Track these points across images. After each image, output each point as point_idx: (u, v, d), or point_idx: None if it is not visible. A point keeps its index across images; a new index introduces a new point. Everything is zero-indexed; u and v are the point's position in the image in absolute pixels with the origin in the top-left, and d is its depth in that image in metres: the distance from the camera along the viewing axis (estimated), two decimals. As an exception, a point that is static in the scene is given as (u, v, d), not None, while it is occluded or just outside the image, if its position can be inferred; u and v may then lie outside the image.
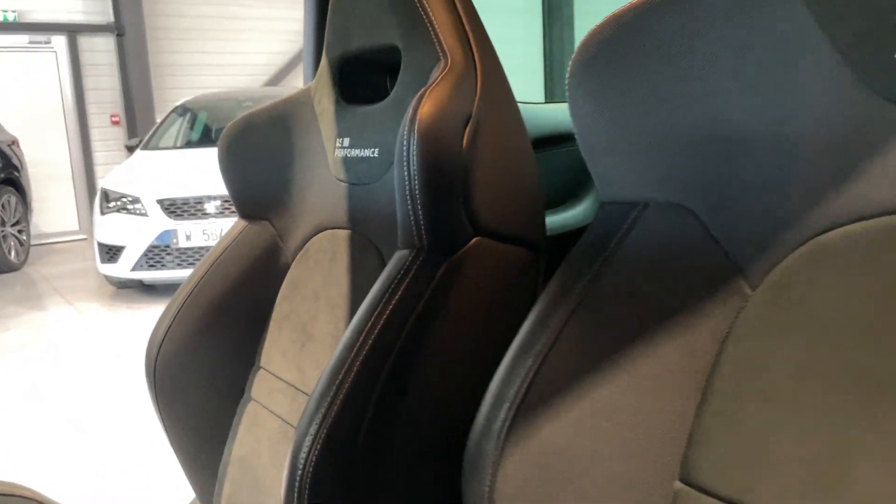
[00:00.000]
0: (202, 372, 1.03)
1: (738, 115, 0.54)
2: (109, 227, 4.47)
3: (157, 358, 1.04)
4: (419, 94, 0.73)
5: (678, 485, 0.55)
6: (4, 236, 5.52)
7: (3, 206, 5.49)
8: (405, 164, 0.71)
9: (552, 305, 0.58)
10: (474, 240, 0.75)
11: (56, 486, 2.17)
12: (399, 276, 0.72)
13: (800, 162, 0.51)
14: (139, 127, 7.42)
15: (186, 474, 1.07)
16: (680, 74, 0.57)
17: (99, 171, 7.45)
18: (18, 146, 6.03)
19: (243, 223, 1.10)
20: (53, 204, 7.26)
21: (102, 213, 4.57)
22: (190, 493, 1.21)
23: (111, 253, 4.47)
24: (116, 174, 4.82)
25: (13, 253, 5.62)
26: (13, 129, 6.44)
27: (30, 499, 0.92)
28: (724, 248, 0.55)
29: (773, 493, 0.49)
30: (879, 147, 0.47)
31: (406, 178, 0.71)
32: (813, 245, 0.50)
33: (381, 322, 0.70)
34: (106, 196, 4.61)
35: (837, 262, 0.49)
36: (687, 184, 0.56)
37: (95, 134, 7.56)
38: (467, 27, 0.81)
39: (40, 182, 7.01)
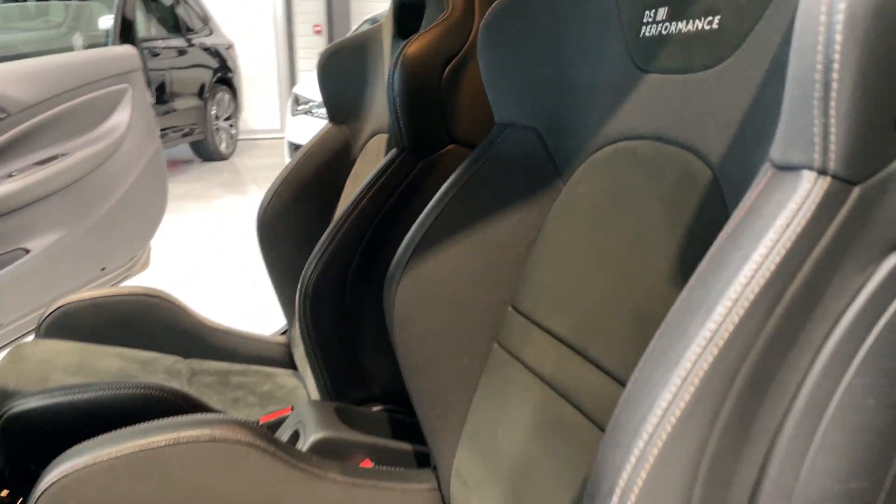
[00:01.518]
0: (290, 228, 1.43)
1: (573, 68, 0.79)
2: (297, 128, 5.11)
3: (262, 217, 1.44)
4: (410, 38, 1.03)
5: (509, 309, 0.84)
6: (217, 129, 6.42)
7: (218, 103, 6.37)
8: (392, 88, 1.02)
9: (447, 189, 0.87)
10: (450, 146, 1.05)
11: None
12: (384, 167, 1.04)
13: (595, 103, 0.76)
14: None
15: (280, 301, 1.49)
16: (553, 34, 0.82)
17: (301, 76, 8.25)
18: (234, 50, 6.88)
19: (329, 125, 1.45)
20: (260, 104, 8.19)
21: (293, 114, 5.22)
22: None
23: (297, 150, 5.14)
24: (307, 81, 5.44)
25: (223, 144, 6.53)
26: (231, 35, 7.30)
27: (159, 298, 1.37)
28: (553, 157, 0.81)
29: (545, 312, 0.77)
30: (632, 97, 0.72)
31: (392, 97, 1.02)
32: (593, 157, 0.76)
33: (367, 197, 1.03)
34: (296, 100, 5.24)
35: (598, 169, 0.74)
36: (538, 112, 0.83)
37: (300, 42, 8.33)
38: None
39: (250, 83, 7.92)
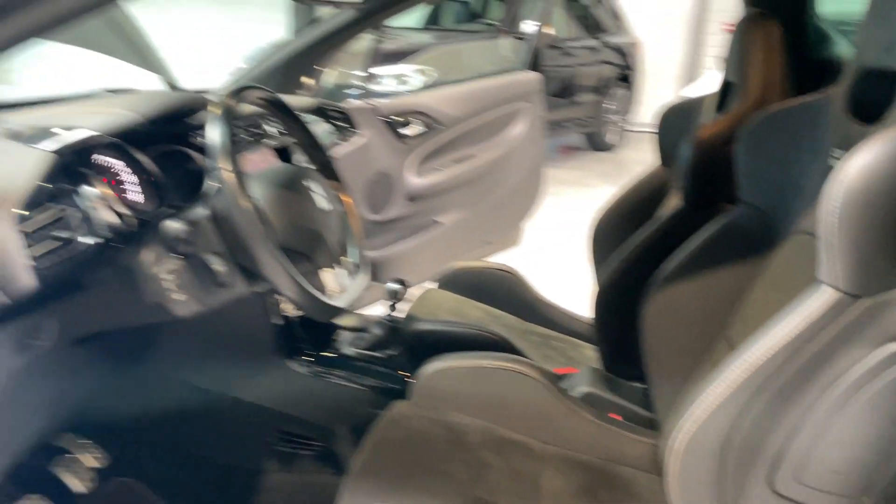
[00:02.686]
0: (612, 237, 1.88)
1: (799, 169, 1.12)
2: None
3: (597, 221, 1.91)
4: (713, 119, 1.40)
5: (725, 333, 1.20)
6: (609, 122, 7.01)
7: (614, 98, 6.95)
8: (686, 158, 1.41)
9: (701, 238, 1.24)
10: (716, 205, 1.41)
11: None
12: (673, 213, 1.44)
13: (807, 198, 1.08)
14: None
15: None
16: (793, 143, 1.15)
17: (701, 73, 8.35)
18: (638, 48, 7.34)
19: (659, 165, 1.85)
20: (655, 99, 8.53)
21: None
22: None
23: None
24: (698, 82, 5.66)
25: (613, 136, 7.09)
26: (641, 30, 7.73)
27: (510, 273, 1.94)
28: (772, 231, 1.14)
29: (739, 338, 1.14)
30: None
31: (684, 164, 1.41)
32: (797, 237, 1.08)
33: (655, 230, 1.45)
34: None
35: (795, 244, 1.06)
36: (768, 197, 1.15)
37: (709, 40, 8.41)
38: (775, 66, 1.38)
39: (650, 77, 8.29)
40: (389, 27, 5.81)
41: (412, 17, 6.41)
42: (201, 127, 1.19)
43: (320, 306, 1.05)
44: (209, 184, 1.06)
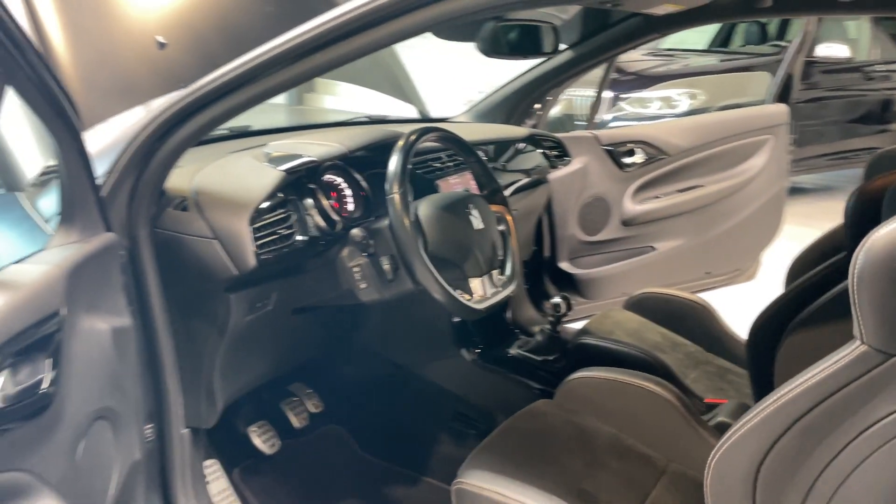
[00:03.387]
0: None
1: None
2: None
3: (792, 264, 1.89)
4: None
5: None
6: None
7: None
8: None
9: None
10: None
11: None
12: None
13: None
14: None
15: None
16: None
17: None
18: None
19: None
20: None
21: None
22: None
23: None
24: None
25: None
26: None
27: (702, 306, 1.98)
28: None
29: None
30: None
31: None
32: None
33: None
34: None
35: None
36: None
37: None
38: None
39: None
40: (669, 50, 5.85)
41: (696, 38, 6.32)
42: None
43: (459, 306, 1.30)
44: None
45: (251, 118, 1.88)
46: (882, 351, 0.82)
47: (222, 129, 1.79)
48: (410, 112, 2.53)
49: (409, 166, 1.35)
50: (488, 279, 1.41)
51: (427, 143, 1.47)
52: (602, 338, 1.78)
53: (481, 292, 1.38)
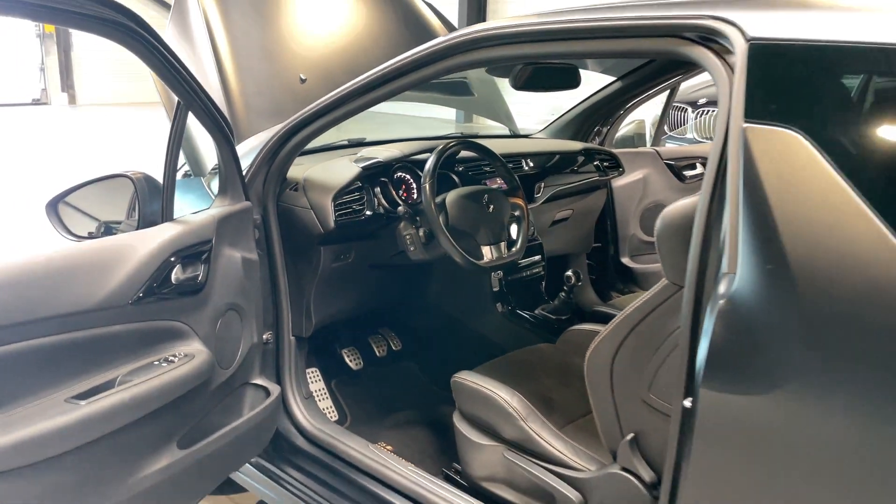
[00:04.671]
0: None
1: None
2: None
3: None
4: None
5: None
6: None
7: None
8: None
9: None
10: None
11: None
12: None
13: None
14: None
15: None
16: None
17: None
18: None
19: None
20: None
21: None
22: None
23: None
24: None
25: None
26: None
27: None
28: None
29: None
30: None
31: None
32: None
33: None
34: None
35: None
36: None
37: None
38: None
39: None
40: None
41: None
42: (458, 161, 2.16)
43: (466, 262, 1.89)
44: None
45: (369, 132, 2.59)
46: (675, 283, 1.31)
47: (343, 140, 2.51)
48: (502, 129, 3.13)
49: (458, 169, 1.94)
50: (496, 248, 1.99)
51: (466, 153, 2.07)
52: (611, 306, 2.27)
53: (490, 256, 1.97)
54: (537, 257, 2.48)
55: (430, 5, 3.02)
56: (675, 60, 2.54)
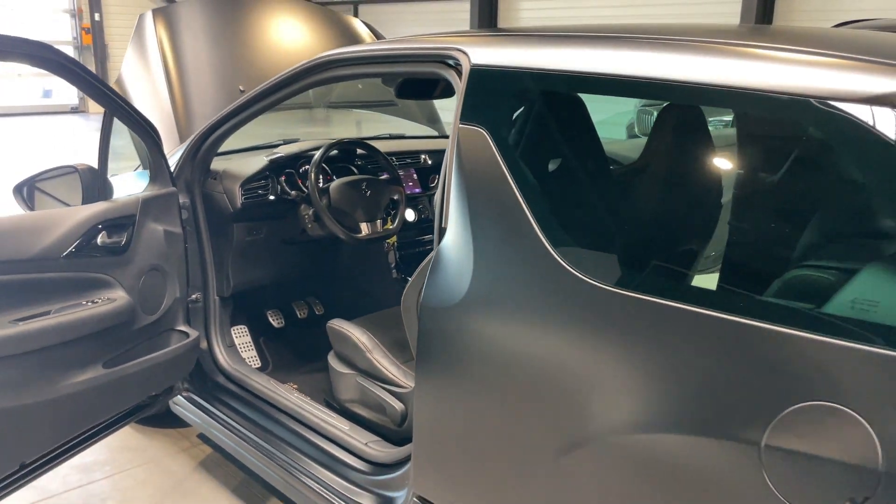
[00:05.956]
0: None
1: None
2: None
3: None
4: None
5: None
6: None
7: None
8: None
9: None
10: None
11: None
12: None
13: None
14: None
15: None
16: None
17: None
18: None
19: None
20: None
21: None
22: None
23: None
24: None
25: None
26: None
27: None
28: None
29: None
30: None
31: None
32: None
33: None
34: None
35: None
36: None
37: None
38: None
39: None
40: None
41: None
42: (358, 157, 2.69)
43: (345, 235, 2.40)
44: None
45: (302, 134, 3.11)
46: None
47: (279, 140, 3.05)
48: (429, 131, 3.63)
49: (357, 163, 2.46)
50: (372, 225, 2.50)
51: (359, 150, 2.61)
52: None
53: (366, 231, 2.48)
54: (429, 236, 2.97)
55: (366, 23, 3.54)
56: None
